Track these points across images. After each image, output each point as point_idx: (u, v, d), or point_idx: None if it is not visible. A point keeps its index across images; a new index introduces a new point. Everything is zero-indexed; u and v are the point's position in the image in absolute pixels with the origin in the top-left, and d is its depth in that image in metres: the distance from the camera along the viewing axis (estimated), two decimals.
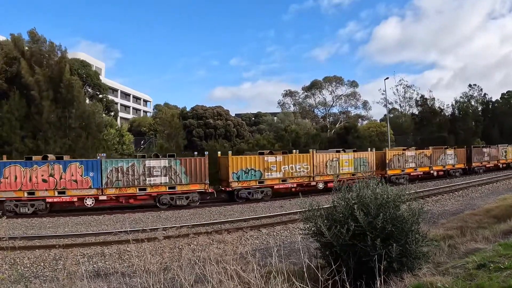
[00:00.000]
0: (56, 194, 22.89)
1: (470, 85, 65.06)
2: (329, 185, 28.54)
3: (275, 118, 70.76)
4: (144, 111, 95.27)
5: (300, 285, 4.51)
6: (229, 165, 26.29)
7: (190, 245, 14.35)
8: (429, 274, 5.71)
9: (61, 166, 23.02)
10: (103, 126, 37.61)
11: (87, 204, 23.26)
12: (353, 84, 67.66)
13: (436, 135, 51.73)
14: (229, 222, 19.35)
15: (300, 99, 69.49)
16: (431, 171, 37.62)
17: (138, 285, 5.22)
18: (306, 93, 68.31)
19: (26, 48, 34.11)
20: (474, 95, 63.93)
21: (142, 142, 53.28)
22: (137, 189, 24.20)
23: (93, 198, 23.34)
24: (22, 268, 12.88)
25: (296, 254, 8.15)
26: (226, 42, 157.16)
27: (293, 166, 28.74)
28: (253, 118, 72.48)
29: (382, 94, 59.16)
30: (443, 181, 34.52)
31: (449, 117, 58.10)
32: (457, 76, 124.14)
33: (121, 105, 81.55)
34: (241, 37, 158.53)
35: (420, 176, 35.76)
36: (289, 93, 69.69)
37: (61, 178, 22.88)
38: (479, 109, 63.78)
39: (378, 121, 68.64)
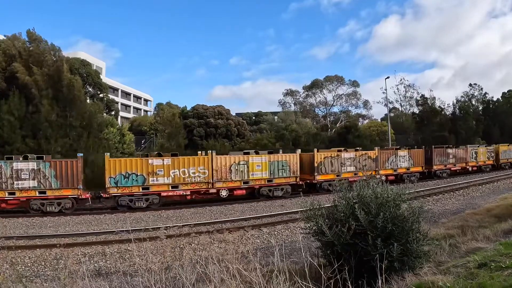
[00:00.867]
0: None
1: (470, 84, 65.15)
2: (236, 192, 26.17)
3: (276, 117, 70.78)
4: (144, 111, 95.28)
5: (302, 283, 4.51)
6: (106, 168, 23.60)
7: (191, 244, 14.36)
8: (430, 273, 5.71)
9: None
10: (104, 125, 37.66)
11: None
12: (354, 84, 67.63)
13: (437, 135, 51.71)
14: (230, 221, 19.36)
15: (301, 99, 69.47)
16: (378, 176, 30.74)
17: (139, 284, 5.23)
18: (307, 92, 68.27)
19: (24, 47, 34.14)
20: (475, 94, 63.97)
21: (143, 141, 53.32)
22: (6, 193, 22.06)
23: None
24: (23, 267, 12.89)
25: (297, 253, 8.15)
26: (226, 41, 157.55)
27: (186, 170, 25.05)
28: (253, 118, 72.51)
29: (383, 93, 59.21)
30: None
31: (450, 117, 58.11)
32: (457, 75, 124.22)
33: (122, 104, 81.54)
34: (241, 36, 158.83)
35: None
36: (290, 92, 69.64)
37: None
38: (480, 108, 63.77)
39: (379, 120, 68.66)
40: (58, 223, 20.10)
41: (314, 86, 67.32)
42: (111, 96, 58.75)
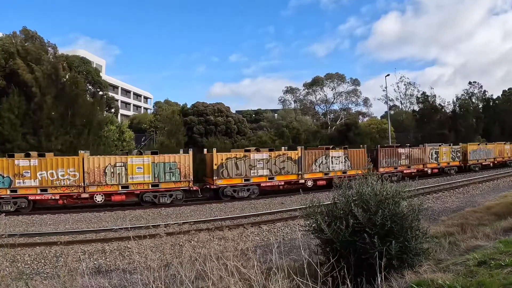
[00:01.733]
0: None
1: (470, 82, 65.19)
2: (114, 198, 23.73)
3: (276, 115, 70.74)
4: (144, 108, 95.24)
5: (300, 281, 4.51)
6: None
7: (191, 242, 14.38)
8: (430, 271, 5.70)
9: None
10: (104, 123, 37.66)
11: None
12: (355, 82, 67.54)
13: (437, 132, 51.68)
14: (229, 219, 19.37)
15: (301, 96, 69.40)
16: (301, 181, 28.74)
17: (138, 282, 5.23)
18: (307, 90, 68.18)
19: (22, 45, 34.10)
20: (475, 92, 63.94)
21: (142, 139, 53.33)
22: None
23: None
24: (23, 265, 12.91)
25: (296, 251, 8.15)
26: (226, 38, 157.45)
27: (54, 172, 22.80)
28: (253, 115, 72.48)
29: (383, 91, 59.08)
30: None
31: (450, 114, 58.09)
32: (457, 72, 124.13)
33: (122, 102, 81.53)
34: (241, 33, 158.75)
35: (282, 187, 28.27)
36: (290, 90, 69.56)
37: None
38: (480, 106, 63.72)
39: (379, 118, 68.61)
40: (58, 221, 20.13)
41: (315, 83, 67.23)
42: (111, 94, 58.71)
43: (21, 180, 22.46)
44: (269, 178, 27.74)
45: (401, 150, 34.69)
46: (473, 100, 63.64)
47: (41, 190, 22.84)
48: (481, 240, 8.09)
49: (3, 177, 22.30)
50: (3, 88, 32.17)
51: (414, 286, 4.97)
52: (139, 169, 24.28)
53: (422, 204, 6.75)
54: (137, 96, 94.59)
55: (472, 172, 38.32)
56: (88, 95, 40.55)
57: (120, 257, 13.57)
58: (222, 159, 26.26)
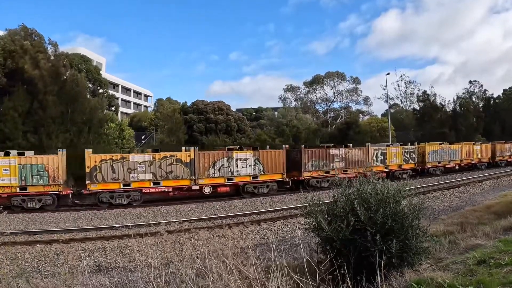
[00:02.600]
0: None
1: (470, 81, 65.19)
2: None
3: (276, 113, 70.70)
4: (145, 106, 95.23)
5: (299, 279, 4.52)
6: None
7: (191, 240, 14.38)
8: (430, 269, 5.71)
9: None
10: (105, 121, 37.69)
11: None
12: (356, 80, 67.50)
13: (437, 131, 51.67)
14: (230, 217, 19.39)
15: (301, 94, 69.37)
16: (195, 186, 25.25)
17: (139, 280, 5.24)
18: (307, 88, 68.16)
19: (22, 43, 34.12)
20: (475, 91, 63.94)
21: (143, 137, 53.33)
22: None
23: None
24: (24, 263, 12.93)
25: (296, 249, 8.17)
26: (226, 36, 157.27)
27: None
28: (254, 113, 72.47)
29: (383, 89, 59.09)
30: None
31: (450, 113, 58.09)
32: (458, 71, 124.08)
33: (122, 100, 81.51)
34: (241, 31, 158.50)
35: (172, 193, 25.37)
36: (291, 88, 69.53)
37: None
38: (480, 105, 63.70)
39: (379, 116, 68.57)
40: (58, 219, 20.15)
41: (315, 81, 67.20)
42: (111, 92, 58.71)
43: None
44: (154, 184, 24.57)
45: (334, 151, 30.23)
46: (474, 99, 63.62)
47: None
48: (480, 239, 8.10)
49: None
50: (4, 86, 32.15)
51: (414, 284, 4.98)
52: (6, 171, 22.40)
53: (423, 203, 6.76)
54: (138, 94, 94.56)
55: (431, 176, 34.72)
56: (88, 93, 40.55)
57: (121, 255, 13.58)
58: (95, 161, 23.55)
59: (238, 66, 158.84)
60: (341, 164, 30.14)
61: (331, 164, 29.64)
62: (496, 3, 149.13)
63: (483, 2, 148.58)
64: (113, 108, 52.06)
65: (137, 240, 12.19)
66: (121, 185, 23.91)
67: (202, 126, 49.76)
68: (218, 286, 4.62)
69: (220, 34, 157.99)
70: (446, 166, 37.90)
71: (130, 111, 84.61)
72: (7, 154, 22.85)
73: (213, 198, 25.08)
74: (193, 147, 26.03)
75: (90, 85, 47.10)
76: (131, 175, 24.05)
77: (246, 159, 26.51)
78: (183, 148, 25.99)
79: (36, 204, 22.61)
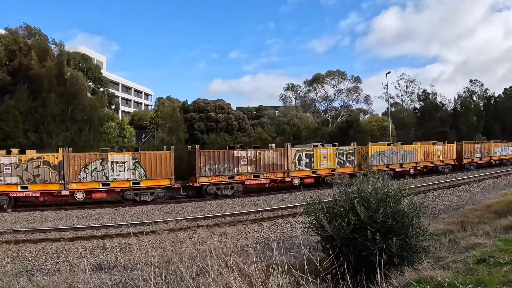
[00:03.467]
0: None
1: (471, 80, 65.09)
2: None
3: (277, 112, 70.64)
4: (145, 105, 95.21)
5: (299, 277, 4.53)
6: None
7: (192, 238, 14.41)
8: (430, 268, 5.73)
9: None
10: (105, 119, 37.73)
11: None
12: (357, 79, 67.41)
13: (438, 130, 51.63)
14: (230, 216, 19.41)
15: (301, 93, 69.30)
16: (65, 192, 22.58)
17: (139, 278, 5.26)
18: (308, 87, 68.08)
19: (25, 41, 34.21)
20: (476, 90, 63.91)
21: (143, 135, 53.34)
22: None
23: None
24: (25, 261, 12.96)
25: (297, 248, 8.18)
26: (226, 34, 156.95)
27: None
28: (254, 112, 72.32)
29: (384, 88, 59.00)
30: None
31: (451, 112, 58.04)
32: (458, 70, 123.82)
33: (123, 98, 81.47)
34: (241, 29, 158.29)
35: (41, 199, 22.72)
36: (291, 87, 69.46)
37: None
38: (481, 104, 63.65)
39: (380, 115, 68.48)
40: (59, 217, 20.17)
41: (316, 80, 67.12)
42: (111, 90, 58.73)
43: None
44: (22, 188, 22.23)
45: (239, 153, 26.40)
46: (474, 98, 63.56)
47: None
48: (481, 238, 8.12)
49: None
50: (7, 85, 32.19)
51: (414, 283, 4.99)
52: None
53: (423, 202, 6.78)
54: (138, 92, 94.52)
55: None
56: (88, 92, 40.61)
57: (121, 254, 13.61)
58: None
59: (238, 65, 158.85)
60: (249, 168, 26.49)
61: (235, 168, 26.08)
62: (497, 1, 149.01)
63: (484, 0, 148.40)
64: (113, 107, 52.09)
65: (138, 239, 12.23)
66: None
67: (203, 124, 49.76)
68: (219, 284, 4.63)
69: (220, 33, 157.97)
70: (397, 169, 32.97)
71: (131, 109, 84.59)
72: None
73: (91, 205, 22.98)
74: (61, 148, 23.12)
75: (90, 84, 47.15)
76: None
77: (123, 162, 23.69)
78: (60, 149, 23.23)
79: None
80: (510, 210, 12.63)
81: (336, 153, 30.31)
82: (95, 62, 54.00)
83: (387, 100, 58.42)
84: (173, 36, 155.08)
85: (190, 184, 25.62)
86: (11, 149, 23.17)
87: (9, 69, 32.90)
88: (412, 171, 34.15)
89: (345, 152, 30.94)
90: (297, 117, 55.74)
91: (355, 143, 32.30)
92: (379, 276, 5.09)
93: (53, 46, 35.43)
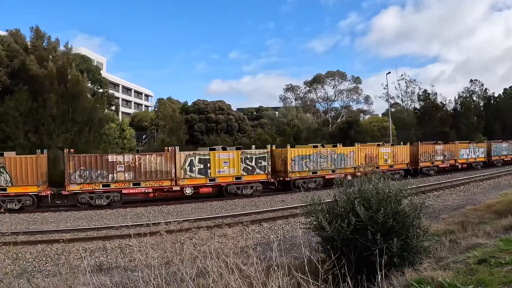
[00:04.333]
0: None
1: (471, 80, 65.14)
2: None
3: (277, 112, 70.68)
4: (145, 106, 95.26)
5: (300, 278, 4.52)
6: None
7: (192, 239, 14.39)
8: (430, 268, 5.72)
9: None
10: (105, 121, 37.75)
11: None
12: (357, 80, 67.44)
13: (438, 130, 51.62)
14: (230, 217, 19.40)
15: (301, 94, 69.36)
16: None
17: (139, 279, 5.25)
18: (308, 88, 68.15)
19: (29, 43, 34.31)
20: (476, 90, 63.96)
21: (143, 136, 53.38)
22: None
23: None
24: (25, 263, 12.95)
25: (297, 248, 8.17)
26: (226, 35, 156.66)
27: None
28: (254, 113, 72.37)
29: (384, 88, 59.04)
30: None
31: (451, 112, 58.05)
32: (458, 69, 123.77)
33: (123, 100, 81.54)
34: (241, 29, 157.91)
35: None
36: (291, 88, 69.52)
37: None
38: (481, 104, 63.67)
39: (380, 115, 68.52)
40: (59, 219, 20.16)
41: (316, 81, 67.17)
42: (111, 91, 58.74)
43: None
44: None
45: (115, 158, 23.88)
46: (474, 98, 63.59)
47: None
48: (481, 238, 8.10)
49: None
50: (8, 86, 32.21)
51: (415, 283, 4.98)
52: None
53: (424, 202, 6.77)
54: (138, 94, 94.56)
55: (294, 193, 26.40)
56: (89, 93, 40.64)
57: (121, 255, 13.60)
58: None
59: (238, 65, 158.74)
60: (127, 175, 23.73)
61: (110, 175, 23.41)
62: (497, 0, 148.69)
63: None
64: (113, 108, 52.12)
65: (138, 240, 12.21)
66: None
67: (203, 125, 49.79)
68: (219, 285, 4.62)
69: (220, 33, 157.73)
70: (328, 177, 28.24)
71: (131, 111, 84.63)
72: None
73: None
74: None
75: (90, 85, 47.21)
76: None
77: None
78: None
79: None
80: (510, 210, 12.62)
81: (241, 157, 26.22)
82: (95, 63, 54.04)
83: (387, 100, 58.51)
84: (172, 36, 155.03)
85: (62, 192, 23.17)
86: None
87: (8, 70, 32.92)
88: (349, 178, 28.64)
89: (254, 157, 26.68)
90: (298, 117, 55.77)
91: (269, 145, 28.66)
92: (379, 276, 5.08)
93: (62, 48, 35.62)
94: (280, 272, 4.51)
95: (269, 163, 27.00)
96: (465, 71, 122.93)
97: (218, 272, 4.72)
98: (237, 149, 27.14)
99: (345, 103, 68.67)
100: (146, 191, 24.35)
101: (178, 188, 24.66)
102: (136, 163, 23.92)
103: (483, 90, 64.27)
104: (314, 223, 6.85)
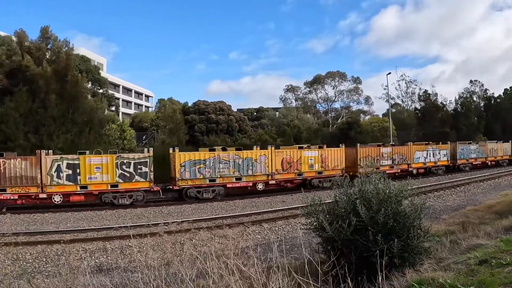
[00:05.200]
0: None
1: (471, 81, 65.20)
2: None
3: (277, 113, 70.73)
4: (146, 107, 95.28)
5: (300, 279, 4.51)
6: None
7: (192, 240, 14.39)
8: (431, 269, 5.70)
9: None
10: (105, 121, 37.77)
11: None
12: (357, 80, 67.48)
13: (439, 131, 51.60)
14: (231, 217, 19.39)
15: (302, 94, 69.41)
16: None
17: (139, 280, 5.24)
18: (308, 88, 68.20)
19: (31, 43, 34.39)
20: (476, 90, 63.99)
21: (144, 137, 53.38)
22: None
23: None
24: (25, 263, 12.94)
25: (297, 249, 8.17)
26: (225, 35, 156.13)
27: None
28: (255, 113, 72.40)
29: (384, 89, 59.07)
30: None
31: (452, 113, 58.06)
32: (459, 69, 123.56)
33: (123, 100, 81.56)
34: (241, 29, 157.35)
35: None
36: (291, 88, 69.57)
37: None
38: (481, 104, 63.69)
39: (381, 116, 68.56)
40: (59, 219, 20.16)
41: (316, 81, 67.21)
42: (111, 92, 58.78)
43: None
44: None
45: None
46: (474, 99, 63.61)
47: None
48: (482, 238, 8.08)
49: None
50: (6, 86, 32.23)
51: (415, 284, 4.97)
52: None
53: (424, 203, 6.76)
54: (139, 94, 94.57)
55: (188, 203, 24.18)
56: (88, 94, 40.67)
57: (121, 256, 13.59)
58: None
59: (238, 66, 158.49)
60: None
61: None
62: (497, 0, 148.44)
63: None
64: (113, 108, 52.15)
65: (138, 241, 12.21)
66: None
67: (203, 126, 49.82)
68: (219, 286, 4.61)
69: (219, 33, 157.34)
70: (230, 185, 26.00)
71: (131, 111, 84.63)
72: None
73: None
74: None
75: (90, 85, 47.23)
76: None
77: None
78: None
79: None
80: (511, 210, 12.60)
81: (116, 162, 23.49)
82: (95, 63, 54.07)
83: (387, 101, 58.56)
84: (172, 36, 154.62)
85: None
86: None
87: (6, 69, 32.95)
88: (260, 186, 26.75)
89: (132, 162, 23.93)
90: (298, 118, 55.79)
91: (152, 148, 25.68)
92: (380, 277, 5.07)
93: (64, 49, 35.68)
94: (280, 273, 4.50)
95: (151, 169, 24.15)
96: (465, 71, 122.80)
97: (218, 273, 4.71)
98: (111, 153, 24.48)
99: (346, 103, 68.77)
100: (12, 197, 22.03)
101: (44, 195, 22.33)
102: (1, 168, 21.70)
103: (483, 91, 64.36)
104: (314, 223, 6.85)
